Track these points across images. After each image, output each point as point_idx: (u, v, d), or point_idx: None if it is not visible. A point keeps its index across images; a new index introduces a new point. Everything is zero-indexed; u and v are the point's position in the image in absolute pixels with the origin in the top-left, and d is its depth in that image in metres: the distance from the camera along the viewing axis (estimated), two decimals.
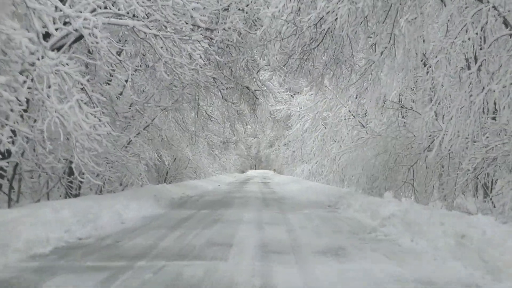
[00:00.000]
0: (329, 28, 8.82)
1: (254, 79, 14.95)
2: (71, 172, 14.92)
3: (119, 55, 13.06)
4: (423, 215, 8.43)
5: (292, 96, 35.57)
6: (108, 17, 8.89)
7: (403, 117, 20.93)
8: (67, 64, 8.36)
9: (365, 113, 24.21)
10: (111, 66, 9.38)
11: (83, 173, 12.90)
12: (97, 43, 8.25)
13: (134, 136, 19.41)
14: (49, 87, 7.95)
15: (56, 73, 7.98)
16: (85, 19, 8.20)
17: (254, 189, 27.29)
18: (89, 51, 10.43)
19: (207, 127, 28.62)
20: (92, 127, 8.44)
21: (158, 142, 22.56)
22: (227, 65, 13.68)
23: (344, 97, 23.88)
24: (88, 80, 9.26)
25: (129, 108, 19.46)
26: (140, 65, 12.58)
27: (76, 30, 8.57)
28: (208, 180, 34.89)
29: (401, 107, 15.96)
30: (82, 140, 8.36)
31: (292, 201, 17.03)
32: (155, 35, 8.77)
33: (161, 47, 8.94)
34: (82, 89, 8.98)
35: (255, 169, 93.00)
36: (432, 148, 15.26)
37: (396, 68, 9.59)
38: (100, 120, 8.66)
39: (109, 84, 17.02)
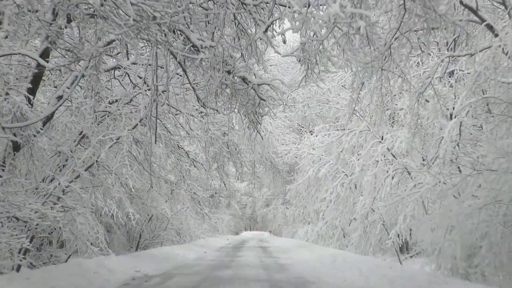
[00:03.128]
0: None
1: (257, 51, 7.50)
2: None
3: None
4: None
5: (300, 140, 29.11)
6: None
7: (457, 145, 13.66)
8: None
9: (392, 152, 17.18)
10: None
11: None
12: None
13: (70, 182, 12.80)
14: None
15: None
16: None
17: (252, 260, 19.32)
18: None
19: (189, 175, 21.19)
20: None
21: (110, 191, 15.53)
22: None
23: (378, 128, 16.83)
24: None
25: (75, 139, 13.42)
26: None
27: None
28: (193, 244, 27.46)
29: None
30: None
31: None
32: None
33: None
34: None
35: (250, 230, 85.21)
36: None
37: None
38: None
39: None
